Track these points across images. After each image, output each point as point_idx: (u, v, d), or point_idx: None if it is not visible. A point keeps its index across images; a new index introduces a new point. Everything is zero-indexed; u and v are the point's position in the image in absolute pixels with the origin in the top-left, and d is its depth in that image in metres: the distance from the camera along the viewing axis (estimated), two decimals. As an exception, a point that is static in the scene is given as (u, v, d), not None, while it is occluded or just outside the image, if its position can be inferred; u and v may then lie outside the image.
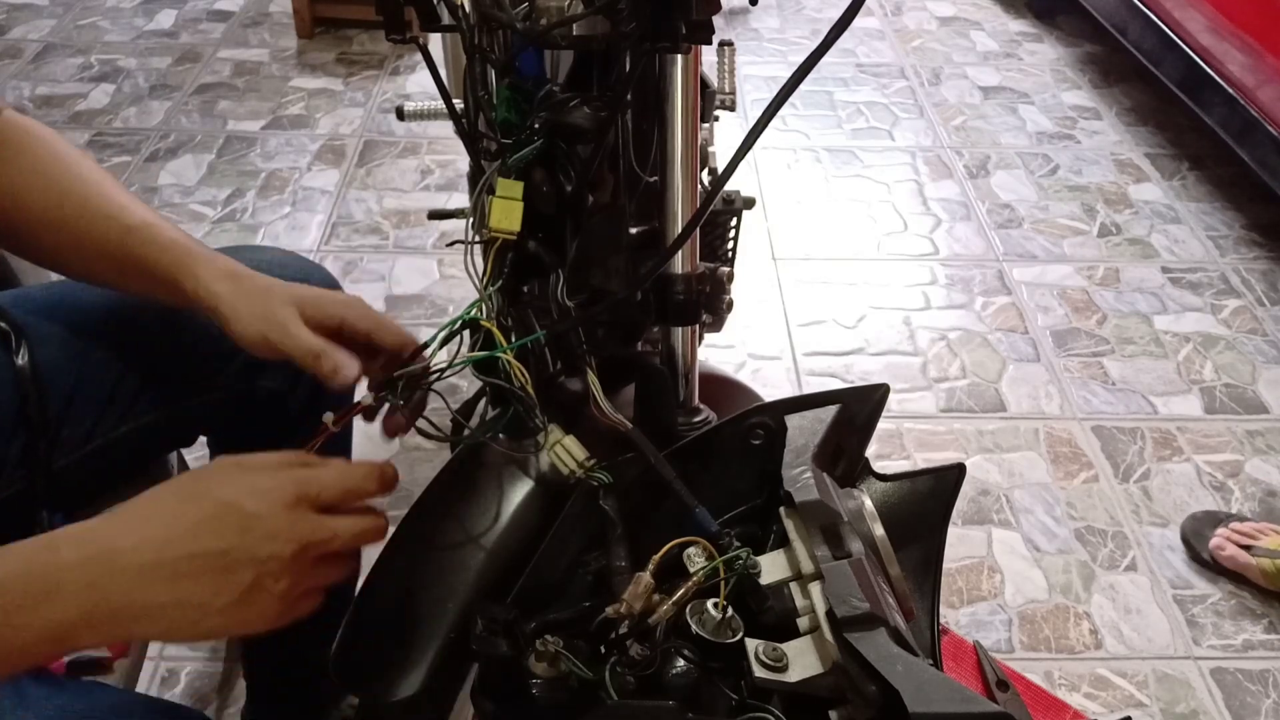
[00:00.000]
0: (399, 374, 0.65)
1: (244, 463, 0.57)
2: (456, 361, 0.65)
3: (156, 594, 0.52)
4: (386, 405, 0.66)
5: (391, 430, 0.68)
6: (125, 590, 0.51)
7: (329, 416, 0.64)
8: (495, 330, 0.64)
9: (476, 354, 0.64)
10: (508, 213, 0.65)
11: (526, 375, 0.64)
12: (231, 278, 0.68)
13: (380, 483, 0.59)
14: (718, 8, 0.62)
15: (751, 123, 0.58)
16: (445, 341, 0.65)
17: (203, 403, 0.89)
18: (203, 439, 0.97)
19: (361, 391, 0.68)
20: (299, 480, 0.55)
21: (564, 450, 0.64)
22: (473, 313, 0.65)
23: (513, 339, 0.66)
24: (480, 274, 0.67)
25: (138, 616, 0.52)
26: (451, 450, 0.74)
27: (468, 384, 0.67)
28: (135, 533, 0.52)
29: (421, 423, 0.69)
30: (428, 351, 0.66)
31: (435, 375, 0.66)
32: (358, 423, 0.68)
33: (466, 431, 0.70)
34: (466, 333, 0.67)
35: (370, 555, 0.63)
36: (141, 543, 0.52)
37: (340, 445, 1.01)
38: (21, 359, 0.77)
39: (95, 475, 0.85)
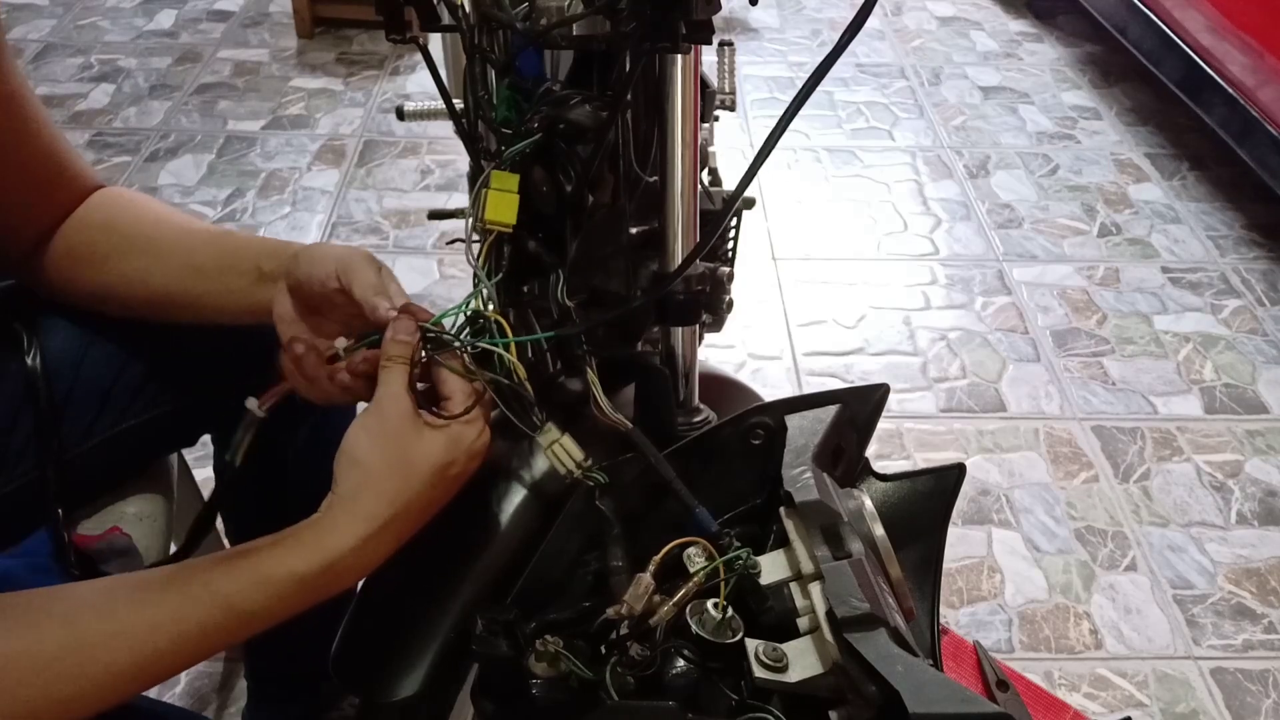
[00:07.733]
0: (348, 347, 0.64)
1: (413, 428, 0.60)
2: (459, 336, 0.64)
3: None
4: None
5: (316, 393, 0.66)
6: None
7: (252, 401, 0.65)
8: (503, 320, 0.63)
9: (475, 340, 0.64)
10: (502, 205, 0.64)
11: (524, 372, 0.63)
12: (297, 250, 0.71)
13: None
14: (718, 7, 0.62)
15: (752, 123, 0.58)
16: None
17: (202, 400, 0.89)
18: (205, 438, 0.97)
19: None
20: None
21: (561, 450, 0.63)
22: (473, 304, 0.64)
23: (511, 335, 0.66)
24: (479, 266, 0.66)
25: None
26: None
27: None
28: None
29: None
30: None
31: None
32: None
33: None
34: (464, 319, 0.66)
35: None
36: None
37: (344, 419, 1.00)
38: (32, 359, 0.79)
39: (95, 472, 0.85)
